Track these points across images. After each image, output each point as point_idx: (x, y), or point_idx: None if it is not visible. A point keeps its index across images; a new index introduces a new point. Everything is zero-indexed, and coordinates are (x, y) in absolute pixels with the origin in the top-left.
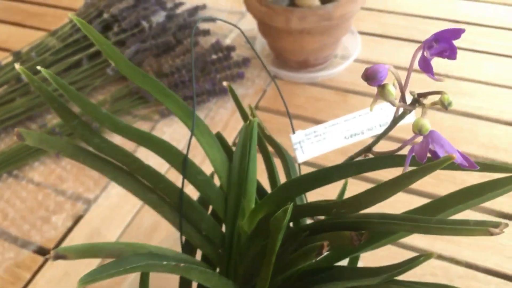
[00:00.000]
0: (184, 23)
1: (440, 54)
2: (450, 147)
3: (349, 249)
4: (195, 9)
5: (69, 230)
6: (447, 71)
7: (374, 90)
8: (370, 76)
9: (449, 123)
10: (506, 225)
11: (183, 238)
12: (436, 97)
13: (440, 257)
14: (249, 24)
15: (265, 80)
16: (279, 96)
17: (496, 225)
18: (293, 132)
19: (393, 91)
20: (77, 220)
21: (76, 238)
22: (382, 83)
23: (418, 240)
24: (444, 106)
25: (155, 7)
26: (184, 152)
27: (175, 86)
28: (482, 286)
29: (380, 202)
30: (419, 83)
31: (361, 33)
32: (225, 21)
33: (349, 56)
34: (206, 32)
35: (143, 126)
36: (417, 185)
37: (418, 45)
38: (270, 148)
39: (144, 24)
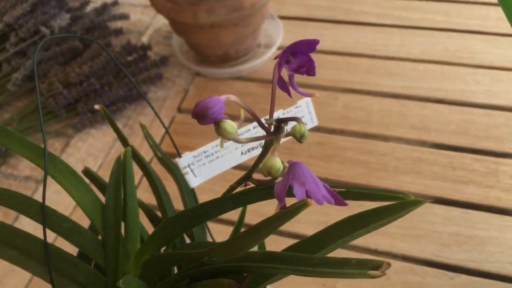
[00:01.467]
0: (91, 24)
1: (298, 71)
2: (313, 185)
3: None
4: (104, 7)
5: None
6: (373, 51)
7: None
8: (199, 114)
9: (378, 107)
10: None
11: None
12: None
13: (376, 252)
14: None
15: (186, 79)
16: (203, 95)
17: (378, 265)
18: (179, 156)
19: (233, 128)
20: None
21: None
22: (218, 120)
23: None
24: (297, 138)
25: (55, 10)
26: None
27: (86, 96)
28: (419, 279)
29: (249, 249)
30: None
31: (283, 17)
32: (82, 37)
33: (273, 44)
34: (119, 32)
35: (56, 143)
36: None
37: (343, 26)
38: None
39: (45, 30)
